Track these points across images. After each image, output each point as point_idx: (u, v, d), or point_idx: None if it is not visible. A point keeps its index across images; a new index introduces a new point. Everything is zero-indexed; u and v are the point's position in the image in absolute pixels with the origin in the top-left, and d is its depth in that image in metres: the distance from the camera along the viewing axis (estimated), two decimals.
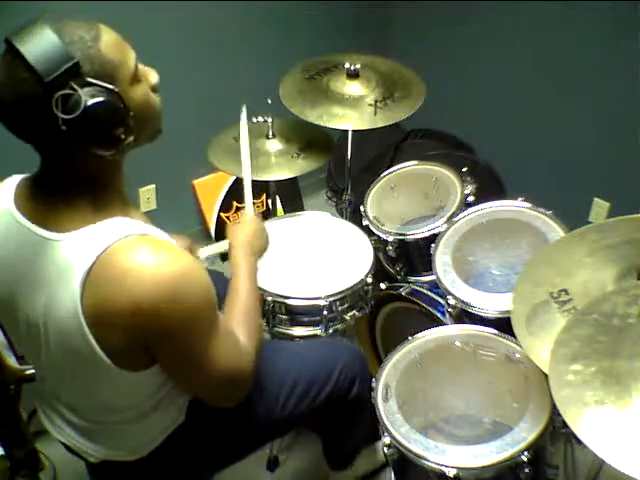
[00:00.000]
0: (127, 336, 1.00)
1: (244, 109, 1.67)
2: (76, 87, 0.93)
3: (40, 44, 0.92)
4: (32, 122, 0.95)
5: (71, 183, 1.03)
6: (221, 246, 1.50)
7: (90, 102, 0.93)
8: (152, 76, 1.08)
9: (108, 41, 0.98)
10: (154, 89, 1.08)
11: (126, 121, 0.99)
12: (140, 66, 1.05)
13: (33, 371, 1.47)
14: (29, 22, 0.95)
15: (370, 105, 1.92)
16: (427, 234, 1.82)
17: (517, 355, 1.42)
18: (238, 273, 1.31)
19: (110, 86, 0.96)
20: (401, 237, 1.86)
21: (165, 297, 0.98)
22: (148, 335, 1.01)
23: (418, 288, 1.86)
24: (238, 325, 1.20)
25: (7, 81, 0.93)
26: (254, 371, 1.19)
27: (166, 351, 1.06)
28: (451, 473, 1.23)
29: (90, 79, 0.95)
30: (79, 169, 1.02)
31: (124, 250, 0.98)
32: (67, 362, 1.08)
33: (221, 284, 1.79)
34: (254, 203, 1.51)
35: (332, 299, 1.69)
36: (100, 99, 0.95)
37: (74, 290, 0.97)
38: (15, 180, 1.11)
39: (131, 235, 1.00)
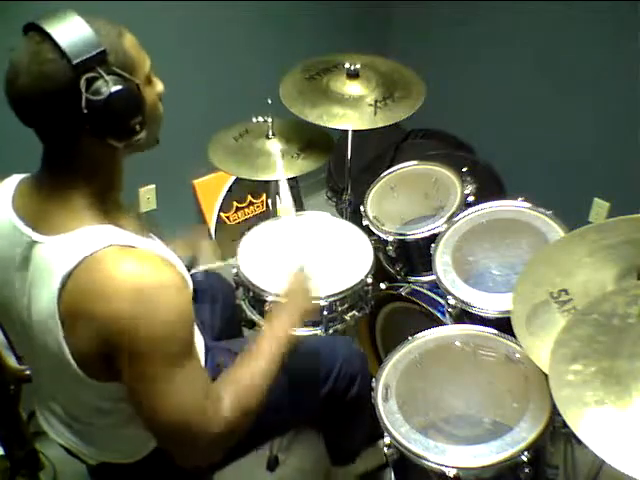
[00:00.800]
0: (95, 344, 0.99)
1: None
2: (102, 73, 0.95)
3: (70, 29, 0.94)
4: (50, 104, 0.95)
5: (72, 177, 1.03)
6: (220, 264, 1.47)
7: (115, 88, 0.95)
8: (159, 85, 1.10)
9: (130, 40, 1.02)
10: (159, 97, 1.10)
11: (143, 114, 1.01)
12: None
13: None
14: (53, 11, 0.96)
15: (370, 105, 1.92)
16: (427, 234, 1.82)
17: (517, 355, 1.42)
18: (273, 334, 1.21)
19: (133, 78, 0.99)
20: (401, 237, 1.86)
21: (139, 309, 0.96)
22: (115, 346, 0.98)
23: (418, 288, 1.86)
24: (231, 385, 1.10)
25: (29, 63, 0.93)
26: (224, 443, 1.09)
27: (128, 367, 1.00)
28: (451, 473, 1.23)
29: (114, 68, 0.97)
30: (84, 160, 1.02)
31: (107, 259, 0.97)
32: (50, 363, 1.07)
33: (218, 284, 1.79)
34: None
35: (332, 299, 1.69)
36: (124, 87, 0.97)
37: (53, 294, 0.97)
38: (15, 180, 1.11)
39: (115, 245, 0.99)
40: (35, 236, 1.02)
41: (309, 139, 2.02)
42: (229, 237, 2.74)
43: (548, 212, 1.68)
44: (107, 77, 0.95)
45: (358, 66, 1.97)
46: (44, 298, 0.99)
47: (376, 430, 1.38)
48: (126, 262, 0.98)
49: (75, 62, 0.93)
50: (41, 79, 0.93)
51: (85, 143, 1.00)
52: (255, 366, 1.14)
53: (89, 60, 0.94)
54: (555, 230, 1.62)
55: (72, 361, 1.01)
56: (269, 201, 2.25)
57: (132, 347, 0.98)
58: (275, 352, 1.17)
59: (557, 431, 1.33)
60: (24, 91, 0.95)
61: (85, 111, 0.94)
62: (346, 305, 1.74)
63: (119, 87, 0.96)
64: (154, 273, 0.99)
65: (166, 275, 1.01)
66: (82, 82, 0.93)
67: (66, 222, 1.01)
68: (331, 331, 1.73)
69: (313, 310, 1.37)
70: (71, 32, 0.94)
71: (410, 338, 1.52)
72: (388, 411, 1.36)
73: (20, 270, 1.04)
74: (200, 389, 1.06)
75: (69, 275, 0.97)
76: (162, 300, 0.99)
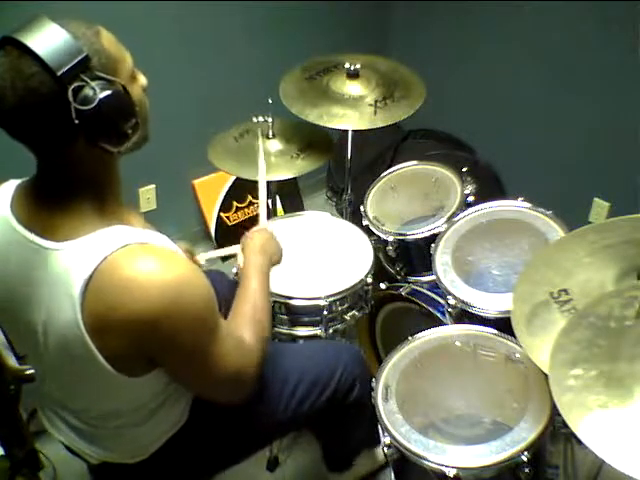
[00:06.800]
0: (130, 343, 1.00)
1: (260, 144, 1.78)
2: (87, 80, 0.93)
3: (48, 38, 0.92)
4: (39, 119, 0.94)
5: (71, 186, 1.02)
6: (221, 252, 1.51)
7: (103, 94, 0.93)
8: (142, 79, 1.08)
9: (108, 38, 1.00)
10: (144, 91, 1.09)
11: (134, 115, 1.00)
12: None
13: (33, 371, 1.47)
14: (27, 21, 0.94)
15: (370, 105, 1.92)
16: (427, 234, 1.82)
17: (517, 355, 1.42)
18: (249, 272, 1.32)
19: (118, 79, 0.97)
20: (401, 237, 1.86)
21: (168, 304, 0.98)
22: (152, 342, 1.01)
23: (418, 288, 1.86)
24: (244, 323, 1.21)
25: (12, 80, 0.91)
26: (259, 369, 1.19)
27: (170, 356, 1.06)
28: (451, 473, 1.23)
29: (98, 73, 0.95)
30: (80, 169, 1.01)
31: (124, 260, 0.98)
32: (69, 369, 1.08)
33: (222, 284, 1.79)
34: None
35: (332, 299, 1.69)
36: (112, 91, 0.95)
37: (74, 299, 0.97)
38: (12, 185, 1.10)
39: (130, 244, 0.99)
40: (45, 243, 1.01)
41: (309, 139, 2.02)
42: (229, 237, 2.74)
43: (548, 212, 1.68)
44: (93, 83, 0.93)
45: (358, 66, 1.97)
46: (65, 305, 0.98)
47: (374, 435, 1.39)
48: (144, 260, 0.99)
49: (59, 73, 0.90)
50: (27, 95, 0.91)
51: (79, 151, 0.99)
52: (251, 300, 1.26)
53: (73, 68, 0.91)
54: (555, 230, 1.62)
55: (105, 364, 1.01)
56: (269, 201, 2.25)
57: (168, 341, 1.02)
58: (260, 282, 1.31)
59: (557, 431, 1.33)
60: (11, 109, 0.93)
61: (76, 121, 0.93)
62: (346, 305, 1.74)
63: (107, 92, 0.94)
64: (173, 266, 1.01)
65: (183, 266, 1.03)
66: (69, 93, 0.91)
67: (75, 227, 1.01)
68: (331, 331, 1.73)
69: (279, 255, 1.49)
70: (50, 41, 0.91)
71: (410, 338, 1.52)
72: (388, 411, 1.36)
73: (30, 278, 1.03)
74: (235, 339, 1.15)
75: (89, 280, 0.96)
76: (186, 290, 1.01)
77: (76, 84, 0.92)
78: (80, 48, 0.93)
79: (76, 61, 0.92)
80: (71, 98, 0.91)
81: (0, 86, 0.92)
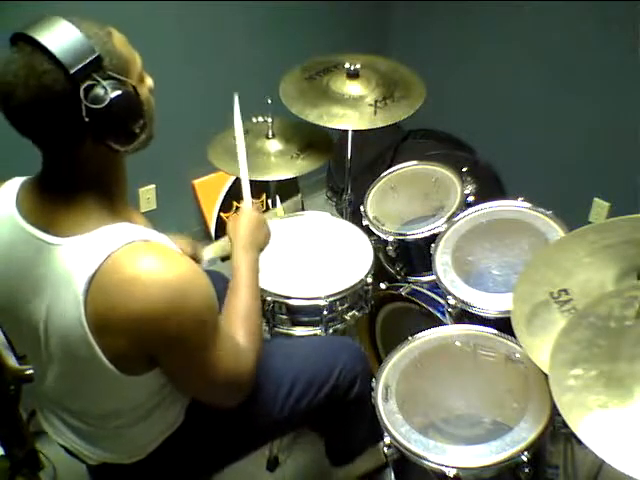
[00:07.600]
0: (131, 343, 1.00)
1: (236, 97, 1.67)
2: (99, 79, 0.93)
3: (61, 36, 0.92)
4: (50, 116, 0.94)
5: (77, 183, 1.03)
6: (225, 245, 1.49)
7: (114, 94, 0.94)
8: (149, 80, 1.09)
9: (119, 39, 1.01)
10: (150, 92, 1.09)
11: (143, 115, 1.00)
12: None
13: (33, 371, 1.47)
14: (38, 19, 0.94)
15: (370, 105, 1.92)
16: (427, 234, 1.82)
17: (517, 355, 1.42)
18: (238, 272, 1.29)
19: (129, 80, 0.98)
20: (401, 237, 1.86)
21: (169, 304, 0.98)
22: (153, 341, 1.01)
23: (418, 288, 1.86)
24: (237, 325, 1.19)
25: (25, 77, 0.91)
26: (254, 371, 1.18)
27: (169, 356, 1.06)
28: (451, 473, 1.23)
29: (110, 72, 0.96)
30: (87, 167, 1.02)
31: (127, 258, 0.98)
32: (70, 368, 1.08)
33: (221, 284, 1.79)
34: (253, 203, 1.51)
35: (332, 299, 1.69)
36: (123, 91, 0.96)
37: (77, 297, 0.97)
38: (17, 182, 1.11)
39: (134, 242, 1.00)
40: (49, 239, 1.01)
41: (309, 139, 2.02)
42: None
43: (548, 212, 1.68)
44: (104, 83, 0.94)
45: (358, 66, 1.97)
46: (68, 304, 0.98)
47: (376, 431, 1.38)
48: (147, 258, 0.99)
49: (72, 72, 0.91)
50: (40, 92, 0.91)
51: (87, 149, 0.99)
52: (242, 297, 1.24)
53: (85, 68, 0.92)
54: (555, 230, 1.62)
55: (107, 362, 1.01)
56: (269, 201, 2.25)
57: (168, 340, 1.02)
58: (251, 281, 1.28)
59: (557, 431, 1.33)
60: (22, 105, 0.93)
61: (86, 120, 0.93)
62: (346, 305, 1.74)
63: (118, 92, 0.95)
64: (175, 265, 1.01)
65: (185, 265, 1.03)
66: (81, 91, 0.92)
67: (80, 223, 1.01)
68: (331, 331, 1.73)
69: (267, 240, 1.42)
70: (63, 40, 0.92)
71: (410, 338, 1.52)
72: (388, 411, 1.36)
73: (33, 274, 1.03)
74: (232, 340, 1.15)
75: (92, 278, 0.96)
76: (188, 290, 1.01)
77: (88, 83, 0.93)
78: (92, 48, 0.94)
79: (89, 60, 0.93)
80: (82, 97, 0.92)
81: (12, 82, 0.92)
